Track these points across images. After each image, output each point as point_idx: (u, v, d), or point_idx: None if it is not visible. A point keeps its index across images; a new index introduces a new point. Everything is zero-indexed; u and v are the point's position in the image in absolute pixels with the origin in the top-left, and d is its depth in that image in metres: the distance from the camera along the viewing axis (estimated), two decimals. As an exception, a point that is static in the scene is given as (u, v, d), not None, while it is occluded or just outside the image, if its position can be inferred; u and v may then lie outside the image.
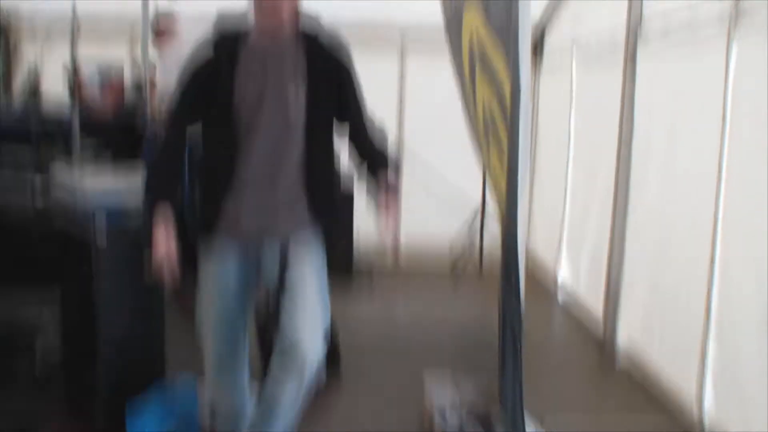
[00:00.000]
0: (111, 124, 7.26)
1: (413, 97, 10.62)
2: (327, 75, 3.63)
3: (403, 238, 10.52)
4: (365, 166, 3.84)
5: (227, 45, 3.55)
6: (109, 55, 10.01)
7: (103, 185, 4.58)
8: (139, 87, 7.50)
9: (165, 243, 3.45)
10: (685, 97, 5.95)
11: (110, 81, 8.11)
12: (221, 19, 3.63)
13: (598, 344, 7.07)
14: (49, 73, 10.50)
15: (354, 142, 3.86)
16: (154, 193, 3.56)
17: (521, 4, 3.49)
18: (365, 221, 9.28)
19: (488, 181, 5.38)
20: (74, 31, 6.88)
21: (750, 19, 4.91)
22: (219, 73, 3.50)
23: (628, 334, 6.82)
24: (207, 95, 3.53)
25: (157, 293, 4.62)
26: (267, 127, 3.52)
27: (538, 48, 10.39)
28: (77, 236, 4.50)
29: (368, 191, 3.83)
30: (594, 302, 7.71)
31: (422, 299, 8.50)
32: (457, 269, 9.73)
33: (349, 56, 3.75)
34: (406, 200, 10.01)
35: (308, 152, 3.60)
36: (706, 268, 5.32)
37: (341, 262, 8.48)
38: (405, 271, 9.70)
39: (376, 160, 3.81)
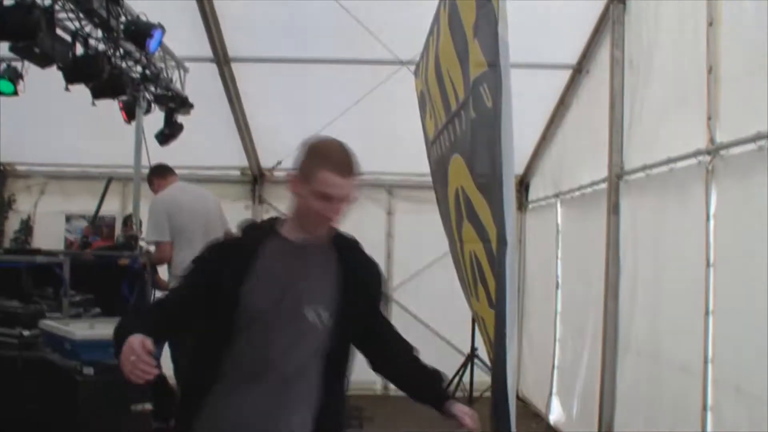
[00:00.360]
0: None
1: (401, 249, 10.83)
2: (363, 281, 3.41)
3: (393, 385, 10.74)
4: (415, 382, 3.77)
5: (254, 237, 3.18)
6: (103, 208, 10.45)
7: (89, 336, 4.60)
8: (129, 238, 7.63)
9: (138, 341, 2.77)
10: (669, 238, 6.06)
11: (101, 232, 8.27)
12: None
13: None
14: (41, 223, 10.80)
15: (394, 358, 3.73)
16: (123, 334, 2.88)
17: (504, 165, 3.62)
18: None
19: (478, 326, 5.44)
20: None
21: (725, 164, 5.10)
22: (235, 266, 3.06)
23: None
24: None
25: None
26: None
27: (522, 193, 10.63)
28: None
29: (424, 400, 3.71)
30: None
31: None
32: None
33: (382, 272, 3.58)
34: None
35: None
36: (699, 405, 5.33)
37: None
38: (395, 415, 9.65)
39: (430, 375, 3.75)
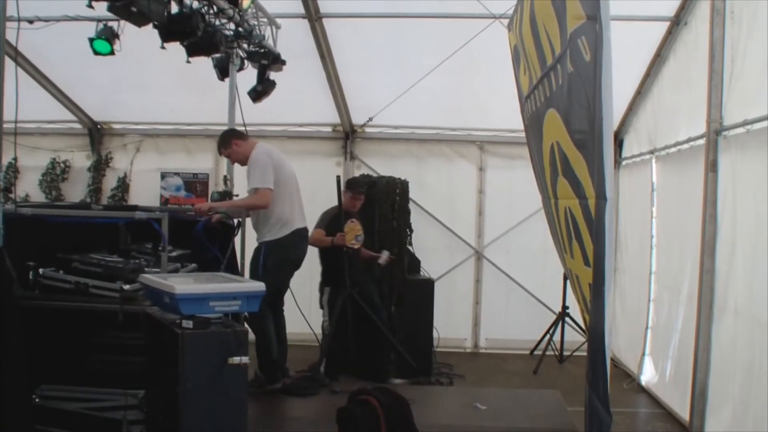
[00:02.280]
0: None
1: (492, 206, 10.82)
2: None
3: (484, 342, 10.80)
4: None
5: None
6: (196, 166, 10.68)
7: (188, 290, 4.68)
8: (224, 194, 7.72)
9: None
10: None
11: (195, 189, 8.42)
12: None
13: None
14: (137, 180, 11.06)
15: None
16: None
17: (604, 119, 3.56)
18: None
19: (571, 284, 5.39)
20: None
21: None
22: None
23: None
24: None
25: (239, 396, 4.67)
26: None
27: (616, 150, 10.45)
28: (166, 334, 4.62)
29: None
30: (680, 408, 7.58)
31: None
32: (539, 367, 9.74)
33: None
34: (487, 308, 10.25)
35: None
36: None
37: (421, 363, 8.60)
38: (487, 373, 9.69)
39: None
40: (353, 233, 8.45)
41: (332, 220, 8.40)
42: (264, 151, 7.17)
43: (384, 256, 8.79)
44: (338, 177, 8.47)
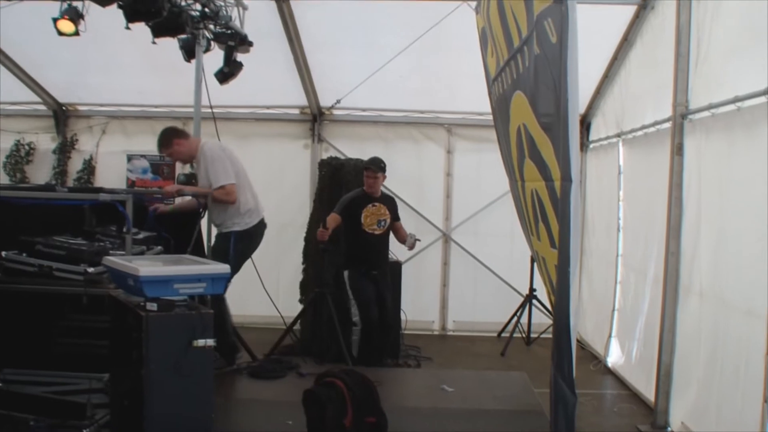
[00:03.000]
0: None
1: (460, 189, 10.85)
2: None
3: (451, 325, 10.83)
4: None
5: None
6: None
7: (153, 273, 4.64)
8: (190, 176, 7.68)
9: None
10: (735, 179, 5.93)
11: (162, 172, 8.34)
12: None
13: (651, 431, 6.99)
14: (103, 163, 10.95)
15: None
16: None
17: (570, 100, 3.55)
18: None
19: (538, 266, 5.40)
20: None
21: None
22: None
23: (680, 420, 6.72)
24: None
25: (204, 379, 4.65)
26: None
27: (583, 133, 10.49)
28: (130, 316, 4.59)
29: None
30: (645, 388, 7.65)
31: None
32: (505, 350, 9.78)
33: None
34: (455, 291, 10.28)
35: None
36: (763, 349, 5.26)
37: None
38: (454, 355, 9.71)
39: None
40: (375, 217, 8.18)
41: (348, 204, 8.22)
42: (217, 147, 7.15)
43: (410, 240, 8.38)
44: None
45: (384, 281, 8.27)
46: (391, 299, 8.48)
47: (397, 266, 9.24)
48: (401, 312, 9.17)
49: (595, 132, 10.22)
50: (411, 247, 8.39)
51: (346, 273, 8.29)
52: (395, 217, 8.39)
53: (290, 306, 9.51)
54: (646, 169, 8.10)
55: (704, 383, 6.30)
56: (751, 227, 5.51)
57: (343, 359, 8.22)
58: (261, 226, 7.47)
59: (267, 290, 8.35)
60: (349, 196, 8.31)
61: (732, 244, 5.92)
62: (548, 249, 4.42)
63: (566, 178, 3.63)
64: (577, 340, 9.84)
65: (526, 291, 10.26)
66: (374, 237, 8.19)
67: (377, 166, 8.18)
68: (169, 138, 7.17)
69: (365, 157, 9.34)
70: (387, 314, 8.17)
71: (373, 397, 5.21)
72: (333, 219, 8.14)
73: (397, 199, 8.77)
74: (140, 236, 6.15)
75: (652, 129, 7.72)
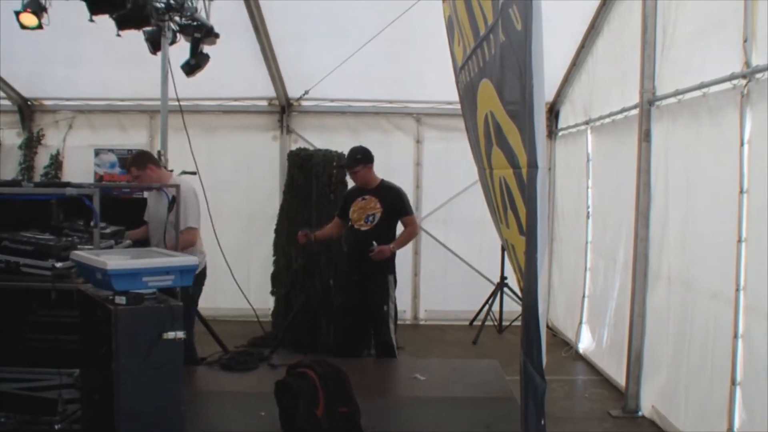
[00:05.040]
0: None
1: (429, 178, 10.88)
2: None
3: (423, 314, 10.86)
4: None
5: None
6: (130, 141, 10.54)
7: (121, 266, 4.62)
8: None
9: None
10: (702, 165, 5.99)
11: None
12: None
13: (623, 416, 7.04)
14: (70, 158, 10.87)
15: None
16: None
17: (535, 87, 3.57)
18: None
19: (507, 254, 5.43)
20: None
21: (761, 88, 5.02)
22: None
23: (651, 403, 6.79)
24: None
25: (175, 372, 4.64)
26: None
27: (552, 121, 10.55)
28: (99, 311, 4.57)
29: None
30: (616, 373, 7.72)
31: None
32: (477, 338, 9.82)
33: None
34: (426, 280, 10.28)
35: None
36: (730, 333, 5.33)
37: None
38: (427, 344, 9.74)
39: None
40: (363, 211, 7.40)
41: (343, 199, 7.78)
42: (192, 189, 7.09)
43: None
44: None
45: (370, 291, 7.31)
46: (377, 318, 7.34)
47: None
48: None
49: (564, 120, 10.28)
50: (374, 256, 7.17)
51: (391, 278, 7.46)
52: (393, 211, 7.39)
53: (261, 298, 9.52)
54: (614, 156, 8.17)
55: (673, 367, 6.38)
56: (718, 212, 5.59)
57: (315, 350, 8.23)
58: (205, 269, 7.36)
59: (238, 282, 8.34)
60: (347, 191, 7.96)
61: (699, 229, 6.00)
62: (517, 236, 4.45)
63: (533, 165, 3.65)
64: (549, 327, 9.91)
65: (497, 279, 10.32)
66: (359, 234, 7.37)
67: (350, 161, 7.45)
68: (145, 161, 7.11)
69: (334, 148, 9.36)
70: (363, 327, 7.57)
71: (345, 386, 5.22)
72: (330, 226, 7.83)
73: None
74: (108, 230, 6.12)
75: (619, 116, 7.79)
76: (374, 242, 7.20)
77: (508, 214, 4.77)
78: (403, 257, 10.74)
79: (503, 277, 10.25)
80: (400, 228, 7.50)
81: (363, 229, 7.36)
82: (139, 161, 7.12)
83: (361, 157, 7.42)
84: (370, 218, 7.37)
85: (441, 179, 10.71)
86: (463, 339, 10.01)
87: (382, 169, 7.54)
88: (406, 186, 10.38)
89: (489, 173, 5.29)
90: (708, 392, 5.68)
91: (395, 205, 7.41)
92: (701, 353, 5.83)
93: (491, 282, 10.53)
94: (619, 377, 7.54)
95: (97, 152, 10.78)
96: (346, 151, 8.74)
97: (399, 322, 10.52)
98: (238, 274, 8.43)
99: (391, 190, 7.52)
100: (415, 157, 10.86)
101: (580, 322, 9.14)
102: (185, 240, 6.90)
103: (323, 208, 9.08)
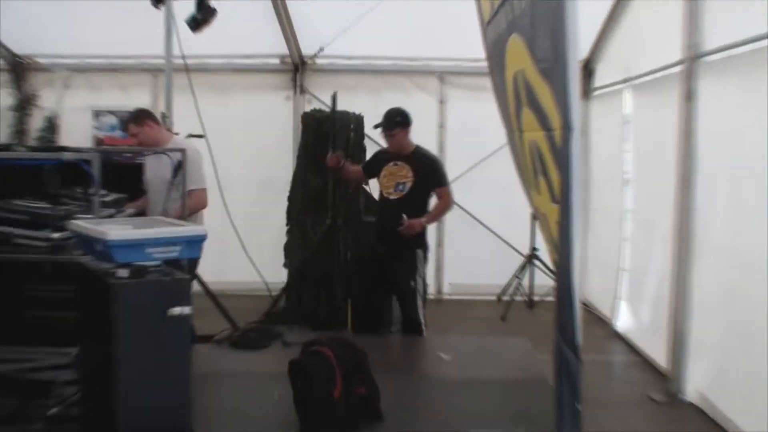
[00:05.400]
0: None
1: (454, 142, 10.90)
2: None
3: (447, 288, 10.86)
4: None
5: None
6: (132, 102, 10.49)
7: (123, 236, 4.62)
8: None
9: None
10: (752, 126, 5.91)
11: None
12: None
13: (665, 401, 7.01)
14: (67, 120, 10.87)
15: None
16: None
17: (569, 42, 3.53)
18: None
19: (539, 224, 5.40)
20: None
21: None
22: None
23: (697, 389, 6.75)
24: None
25: (181, 351, 4.64)
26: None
27: (586, 79, 10.46)
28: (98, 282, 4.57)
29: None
30: (657, 354, 7.68)
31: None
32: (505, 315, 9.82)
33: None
34: (450, 251, 10.25)
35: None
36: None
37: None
38: (451, 321, 9.75)
39: None
40: (393, 178, 7.37)
41: (371, 160, 7.89)
42: (195, 148, 7.17)
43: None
44: (334, 93, 8.28)
45: (395, 264, 7.32)
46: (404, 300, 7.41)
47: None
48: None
49: (600, 78, 10.20)
50: (402, 231, 7.14)
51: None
52: (426, 181, 7.35)
53: (274, 271, 9.54)
54: (655, 118, 8.10)
55: (723, 349, 6.32)
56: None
57: (332, 326, 8.24)
58: None
59: (248, 254, 8.35)
60: (378, 150, 7.96)
61: (749, 197, 5.92)
62: (549, 204, 4.42)
63: (567, 127, 3.61)
64: (583, 303, 9.85)
65: (527, 250, 10.30)
66: (388, 203, 7.38)
67: (388, 123, 7.35)
68: (143, 117, 7.16)
69: (351, 109, 9.30)
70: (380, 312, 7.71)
71: (363, 366, 5.22)
72: (355, 169, 7.98)
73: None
74: (109, 198, 6.11)
75: (661, 74, 7.71)
76: (404, 215, 7.15)
77: (539, 180, 4.73)
78: (425, 227, 10.79)
79: (534, 248, 10.23)
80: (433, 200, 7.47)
81: (392, 197, 7.36)
82: (137, 118, 7.20)
83: (401, 119, 7.39)
84: (400, 186, 7.33)
85: (466, 143, 10.66)
86: (490, 315, 10.01)
87: (404, 132, 7.51)
88: (429, 150, 10.36)
89: (519, 136, 5.25)
90: (766, 378, 5.57)
91: (428, 174, 7.37)
92: (753, 333, 5.76)
93: (521, 253, 10.52)
94: (661, 359, 7.50)
95: (97, 114, 10.79)
96: (365, 113, 8.71)
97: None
98: (249, 246, 8.45)
99: (426, 158, 7.50)
100: (438, 119, 10.83)
101: (618, 298, 9.11)
102: (194, 203, 6.93)
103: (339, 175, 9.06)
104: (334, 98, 8.13)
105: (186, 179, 6.70)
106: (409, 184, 7.31)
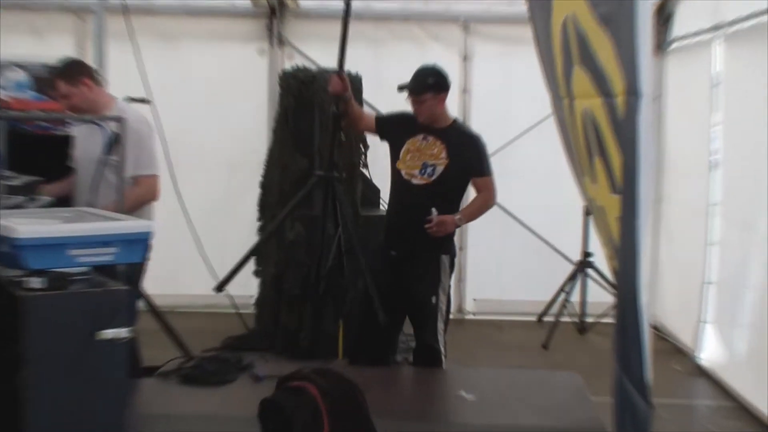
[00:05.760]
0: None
1: (481, 111, 10.89)
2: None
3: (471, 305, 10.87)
4: None
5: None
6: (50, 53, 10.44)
7: (37, 234, 4.61)
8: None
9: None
10: None
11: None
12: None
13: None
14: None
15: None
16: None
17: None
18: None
19: (593, 221, 5.37)
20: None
21: None
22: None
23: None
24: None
25: (116, 386, 4.64)
26: None
27: (662, 27, 10.42)
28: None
29: None
30: (758, 399, 7.64)
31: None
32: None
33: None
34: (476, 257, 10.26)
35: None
36: None
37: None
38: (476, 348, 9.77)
39: None
40: (420, 157, 7.08)
41: (394, 119, 7.49)
42: (146, 121, 7.09)
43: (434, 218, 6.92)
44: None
45: (413, 274, 7.16)
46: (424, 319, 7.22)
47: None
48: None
49: (680, 26, 10.18)
50: (432, 230, 6.89)
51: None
52: (463, 166, 7.11)
53: (242, 281, 9.52)
54: (755, 79, 8.05)
55: None
56: None
57: (318, 354, 8.24)
58: None
59: (208, 259, 8.36)
60: (406, 111, 7.39)
61: None
62: (608, 194, 4.41)
63: (633, 92, 3.60)
64: (654, 327, 9.85)
65: (577, 256, 10.29)
66: (410, 188, 7.11)
67: (417, 85, 7.01)
68: (79, 73, 7.05)
69: (347, 67, 9.26)
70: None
71: (359, 407, 5.22)
72: (368, 116, 7.64)
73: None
74: (17, 182, 6.10)
75: (765, 17, 7.64)
76: (434, 209, 6.85)
77: (594, 163, 4.73)
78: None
79: (586, 254, 10.21)
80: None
81: (415, 182, 7.08)
82: (70, 74, 7.02)
83: (434, 81, 7.05)
84: (429, 170, 7.04)
85: (498, 113, 10.68)
86: (528, 341, 10.03)
87: (416, 99, 7.46)
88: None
89: (568, 104, 5.24)
90: None
91: (468, 158, 7.14)
92: None
93: (569, 260, 10.52)
94: (764, 404, 7.46)
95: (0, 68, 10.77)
96: (363, 72, 8.65)
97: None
98: (210, 248, 8.44)
99: (466, 137, 7.26)
100: (460, 80, 10.80)
101: (702, 321, 9.09)
102: (142, 193, 6.89)
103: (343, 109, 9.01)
104: (335, 116, 7.41)
105: (133, 161, 6.68)
106: (440, 168, 7.02)
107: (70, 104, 7.01)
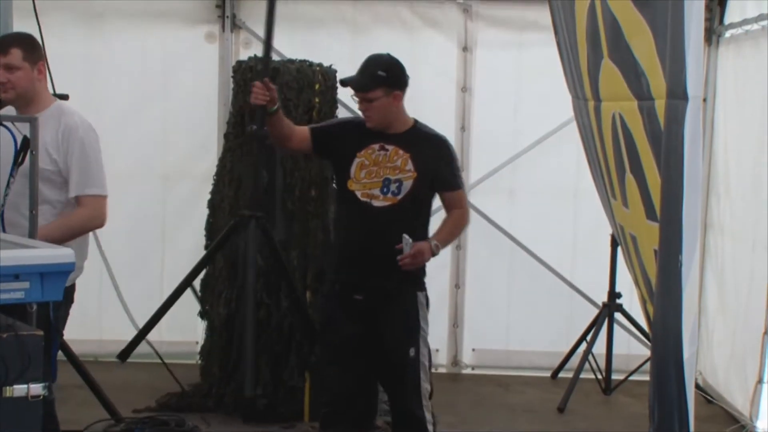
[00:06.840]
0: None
1: (483, 116, 10.88)
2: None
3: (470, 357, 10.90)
4: None
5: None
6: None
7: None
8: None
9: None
10: None
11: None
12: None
13: None
14: None
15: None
16: None
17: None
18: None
19: (623, 252, 5.39)
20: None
21: None
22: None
23: None
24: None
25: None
26: None
27: (713, 12, 10.48)
28: None
29: None
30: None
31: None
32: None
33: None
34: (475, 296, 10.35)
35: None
36: None
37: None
38: (476, 410, 9.79)
39: None
40: (378, 171, 6.88)
41: (337, 127, 7.41)
42: (92, 129, 6.96)
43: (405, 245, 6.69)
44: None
45: (386, 321, 6.92)
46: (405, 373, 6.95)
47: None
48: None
49: (736, 10, 10.22)
50: (406, 263, 6.66)
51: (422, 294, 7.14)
52: (432, 178, 6.97)
53: (184, 324, 9.55)
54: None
55: None
56: None
57: (279, 415, 8.26)
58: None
59: (126, 304, 8.37)
60: (349, 117, 7.61)
61: None
62: (643, 221, 4.45)
63: (677, 95, 3.63)
64: (699, 387, 9.90)
65: (602, 297, 10.30)
66: (370, 212, 6.88)
67: (364, 79, 6.83)
68: (40, 55, 7.01)
69: (317, 59, 9.29)
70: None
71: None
72: (300, 131, 7.16)
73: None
74: None
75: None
76: (405, 236, 6.63)
77: (626, 182, 4.77)
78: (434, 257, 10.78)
79: (614, 294, 10.22)
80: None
81: (377, 204, 6.86)
82: (33, 48, 6.90)
83: (386, 74, 6.83)
84: (393, 187, 6.85)
85: (505, 118, 10.69)
86: (541, 402, 10.05)
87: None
88: (445, 126, 10.36)
89: (593, 107, 5.29)
90: None
91: (439, 168, 7.02)
92: None
93: (592, 302, 10.52)
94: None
95: None
96: (339, 64, 8.65)
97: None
98: (144, 282, 8.45)
99: (433, 141, 7.12)
100: (460, 76, 10.85)
101: (760, 382, 9.12)
102: (86, 217, 6.82)
103: (300, 166, 9.04)
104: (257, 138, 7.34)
105: (77, 178, 6.66)
106: (408, 183, 6.86)
107: (12, 83, 6.91)
